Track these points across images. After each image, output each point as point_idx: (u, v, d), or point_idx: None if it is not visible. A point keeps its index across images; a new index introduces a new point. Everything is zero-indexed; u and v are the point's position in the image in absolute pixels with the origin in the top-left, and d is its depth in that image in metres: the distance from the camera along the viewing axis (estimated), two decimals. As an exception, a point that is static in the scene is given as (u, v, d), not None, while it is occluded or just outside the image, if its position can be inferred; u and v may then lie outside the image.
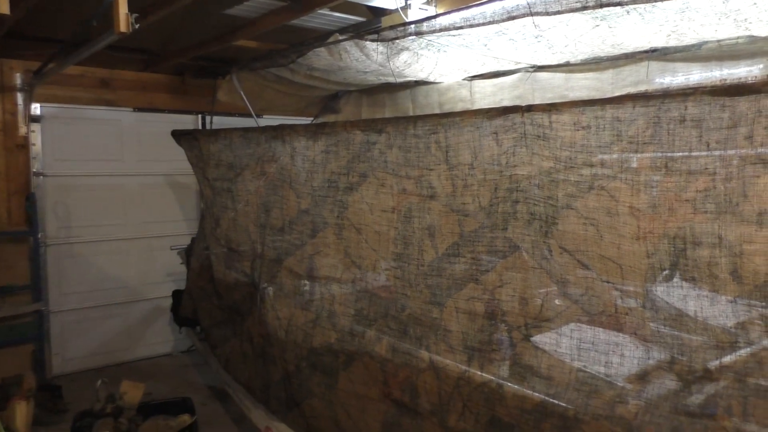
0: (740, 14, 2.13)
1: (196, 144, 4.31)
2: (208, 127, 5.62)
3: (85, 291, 5.36)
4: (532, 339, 2.18)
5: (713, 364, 1.74)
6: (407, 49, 3.08)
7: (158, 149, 5.54)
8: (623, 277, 1.92)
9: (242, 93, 4.37)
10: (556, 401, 2.05)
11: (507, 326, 2.25)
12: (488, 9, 2.40)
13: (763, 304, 1.64)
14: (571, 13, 2.18)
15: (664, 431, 1.79)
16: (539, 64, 3.32)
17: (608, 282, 1.96)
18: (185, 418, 3.79)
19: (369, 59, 3.33)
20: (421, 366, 2.54)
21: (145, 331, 5.74)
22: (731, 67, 2.60)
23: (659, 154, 1.80)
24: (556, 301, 2.11)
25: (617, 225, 1.91)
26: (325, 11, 3.68)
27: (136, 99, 5.56)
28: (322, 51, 3.36)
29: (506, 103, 3.49)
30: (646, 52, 2.87)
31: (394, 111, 4.42)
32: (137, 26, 2.72)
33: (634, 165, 1.87)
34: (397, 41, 2.91)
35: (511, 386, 2.19)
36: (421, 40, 2.84)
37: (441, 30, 2.63)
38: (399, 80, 3.87)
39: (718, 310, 1.72)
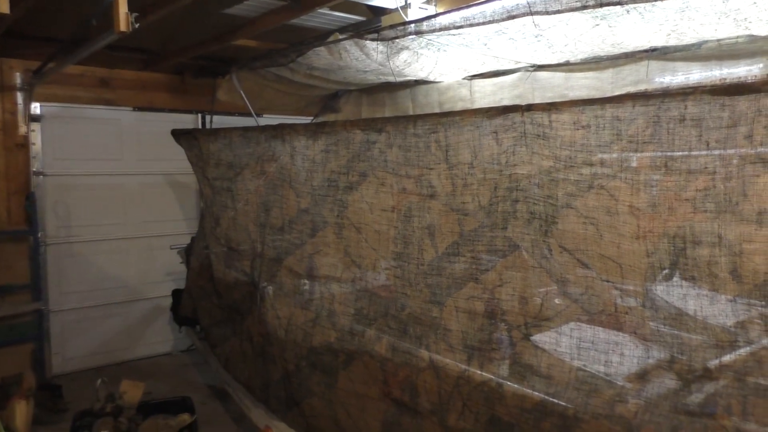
0: (740, 13, 2.13)
1: (195, 143, 4.31)
2: (207, 126, 5.62)
3: (85, 290, 5.36)
4: (532, 338, 2.18)
5: (713, 363, 1.74)
6: (407, 48, 3.08)
7: (158, 148, 5.53)
8: (623, 276, 1.92)
9: (242, 92, 4.37)
10: (555, 400, 2.05)
11: (507, 325, 2.25)
12: (488, 8, 2.40)
13: (763, 303, 1.64)
14: (571, 13, 2.18)
15: (664, 430, 1.79)
16: (539, 63, 3.32)
17: (608, 281, 1.96)
18: (185, 418, 3.78)
19: (369, 58, 3.33)
20: (420, 365, 2.54)
21: (145, 331, 5.73)
22: (731, 66, 2.60)
23: (659, 154, 1.81)
24: (556, 300, 2.11)
25: (617, 224, 1.91)
26: (324, 10, 3.67)
27: (135, 98, 5.55)
28: (321, 50, 3.36)
29: (506, 102, 3.49)
30: (646, 51, 2.87)
31: (394, 110, 4.41)
32: (137, 25, 2.72)
33: (634, 164, 1.87)
34: (397, 40, 2.91)
35: (511, 385, 2.19)
36: (421, 39, 2.84)
37: (441, 29, 2.63)
38: (399, 79, 3.87)
39: (717, 309, 1.73)
